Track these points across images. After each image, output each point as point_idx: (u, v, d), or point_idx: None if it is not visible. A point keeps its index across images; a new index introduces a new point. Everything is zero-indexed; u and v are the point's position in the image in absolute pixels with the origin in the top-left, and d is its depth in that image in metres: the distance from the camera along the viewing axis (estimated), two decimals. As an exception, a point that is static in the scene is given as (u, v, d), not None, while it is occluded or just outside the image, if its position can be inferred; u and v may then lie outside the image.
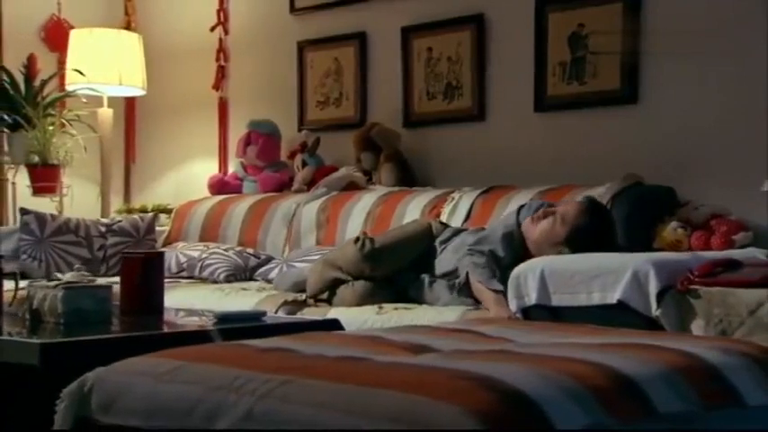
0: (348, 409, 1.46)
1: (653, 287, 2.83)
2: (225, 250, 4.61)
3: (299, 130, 5.28)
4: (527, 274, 3.09)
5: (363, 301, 3.43)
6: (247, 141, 5.24)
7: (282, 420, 1.51)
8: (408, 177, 4.74)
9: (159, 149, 6.13)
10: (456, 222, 4.04)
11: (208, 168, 5.78)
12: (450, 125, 4.74)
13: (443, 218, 4.12)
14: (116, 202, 6.02)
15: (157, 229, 5.14)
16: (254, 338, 1.98)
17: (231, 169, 5.59)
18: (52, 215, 4.77)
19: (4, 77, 5.13)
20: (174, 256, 4.67)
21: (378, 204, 4.44)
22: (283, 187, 5.11)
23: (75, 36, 5.43)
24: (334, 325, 2.79)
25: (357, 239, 3.62)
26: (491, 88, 4.61)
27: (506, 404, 1.44)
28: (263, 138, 5.20)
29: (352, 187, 4.74)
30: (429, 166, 4.81)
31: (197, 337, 2.43)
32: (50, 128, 5.04)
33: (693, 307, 2.78)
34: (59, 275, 2.92)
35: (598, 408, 1.57)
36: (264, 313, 2.93)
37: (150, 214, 5.09)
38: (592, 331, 2.27)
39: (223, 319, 2.71)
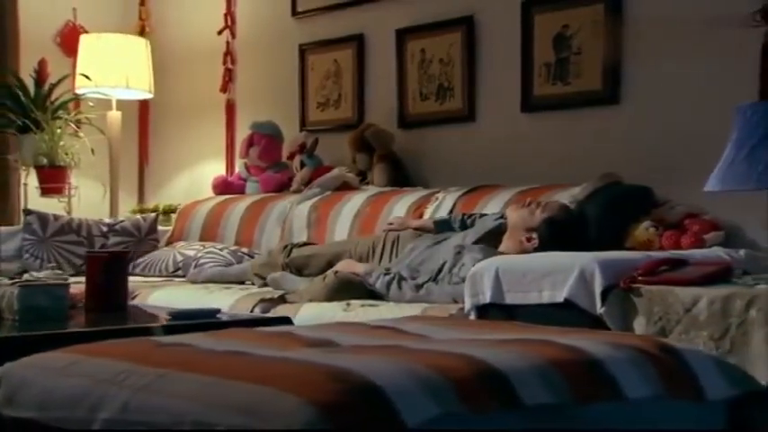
0: (206, 401, 1.55)
1: (598, 285, 2.88)
2: (220, 249, 4.73)
3: (301, 131, 5.38)
4: (483, 273, 3.15)
5: (333, 296, 3.53)
6: (250, 142, 5.36)
7: (152, 412, 1.60)
8: (402, 177, 4.82)
9: (171, 151, 6.28)
10: (438, 222, 4.14)
11: (217, 169, 5.91)
12: (443, 126, 4.82)
13: (426, 215, 4.21)
14: (130, 203, 6.17)
15: (162, 228, 5.27)
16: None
17: (238, 170, 5.71)
18: (55, 215, 4.91)
19: (14, 82, 5.28)
20: (171, 255, 4.80)
21: (366, 204, 4.53)
22: (284, 187, 5.21)
23: (84, 41, 5.58)
24: (285, 322, 2.87)
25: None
26: (481, 89, 4.68)
27: (352, 395, 1.52)
28: (264, 139, 5.31)
29: (345, 187, 4.84)
30: (423, 167, 4.89)
31: (139, 332, 2.53)
32: (58, 130, 5.17)
33: (636, 305, 2.83)
34: (27, 275, 3.04)
35: (454, 399, 1.63)
36: (218, 311, 3.02)
37: (152, 214, 5.23)
38: (510, 328, 2.34)
39: (177, 316, 2.81)
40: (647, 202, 3.85)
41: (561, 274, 2.97)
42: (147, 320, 3.00)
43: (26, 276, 2.97)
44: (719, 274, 2.83)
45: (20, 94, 5.22)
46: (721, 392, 2.09)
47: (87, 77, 5.32)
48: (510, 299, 3.09)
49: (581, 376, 1.87)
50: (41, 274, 3.10)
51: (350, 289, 3.58)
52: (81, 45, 5.57)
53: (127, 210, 5.89)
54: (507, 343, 2.01)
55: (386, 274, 3.60)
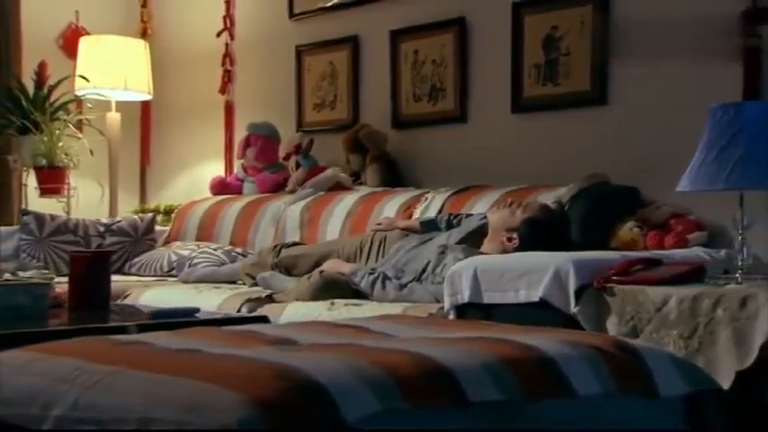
0: (151, 398, 1.58)
1: (572, 285, 2.91)
2: (214, 249, 4.78)
3: (298, 132, 5.42)
4: (461, 273, 3.19)
5: (318, 295, 3.57)
6: (247, 143, 5.40)
7: (101, 409, 1.64)
8: (395, 178, 4.86)
9: (173, 152, 6.33)
10: (427, 222, 4.18)
11: (216, 170, 5.97)
12: (435, 126, 4.85)
13: (415, 216, 4.25)
14: (132, 203, 6.23)
15: (159, 228, 5.33)
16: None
17: (236, 171, 5.75)
18: (52, 216, 4.97)
19: (15, 84, 5.34)
20: (166, 255, 4.85)
21: (357, 205, 4.57)
22: (280, 188, 5.26)
23: (83, 43, 5.64)
24: (262, 320, 2.92)
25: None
26: (472, 90, 4.71)
27: (293, 392, 1.55)
28: (261, 140, 5.36)
29: (338, 188, 4.88)
30: (416, 167, 4.92)
31: (113, 331, 2.57)
32: (57, 132, 5.23)
33: (609, 304, 2.86)
34: (8, 275, 3.09)
35: (398, 395, 1.66)
36: (197, 310, 3.06)
37: (150, 215, 5.28)
38: (473, 327, 2.36)
39: (155, 315, 2.86)
40: (633, 203, 3.88)
41: (537, 273, 3.01)
42: (126, 319, 3.04)
43: (6, 276, 3.01)
44: (691, 274, 2.86)
45: (19, 95, 5.27)
46: (677, 390, 2.12)
47: (86, 79, 5.37)
48: (488, 298, 3.12)
49: (532, 374, 1.90)
50: (28, 274, 3.15)
51: (334, 288, 3.62)
52: (80, 47, 5.64)
53: (129, 210, 5.94)
54: (463, 341, 2.04)
55: (371, 274, 3.64)
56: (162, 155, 6.42)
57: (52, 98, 5.38)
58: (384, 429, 1.66)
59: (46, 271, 3.25)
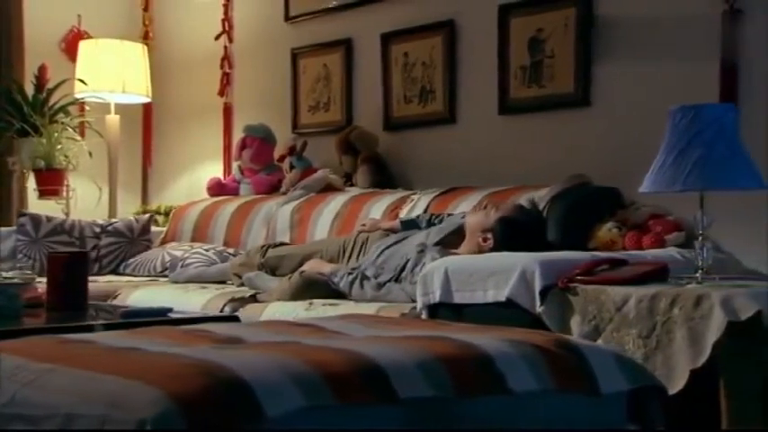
0: (79, 394, 1.64)
1: (537, 285, 2.95)
2: (206, 250, 4.85)
3: (293, 134, 5.48)
4: (433, 273, 3.24)
5: (297, 295, 3.63)
6: (243, 145, 5.47)
7: (33, 405, 1.70)
8: (386, 179, 4.91)
9: (174, 153, 6.41)
10: (412, 222, 4.23)
11: (216, 171, 6.04)
12: (425, 128, 4.90)
13: (401, 216, 4.30)
14: (134, 204, 6.31)
15: (155, 229, 5.40)
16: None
17: (233, 172, 5.82)
18: (48, 217, 5.05)
19: (14, 87, 5.43)
20: (160, 255, 4.92)
21: (346, 206, 4.63)
22: (275, 189, 5.32)
23: (82, 47, 5.73)
24: (233, 319, 2.97)
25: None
26: (461, 91, 4.76)
27: (215, 388, 1.61)
28: (257, 141, 5.42)
29: (328, 189, 4.94)
30: (407, 168, 4.97)
31: (82, 330, 2.63)
32: (55, 134, 5.31)
33: (572, 304, 2.90)
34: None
35: (325, 392, 1.72)
36: (170, 309, 3.12)
37: (146, 216, 5.35)
38: (422, 326, 2.41)
39: (128, 315, 2.92)
40: (614, 203, 3.90)
41: (504, 274, 3.05)
42: (100, 319, 3.10)
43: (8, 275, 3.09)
44: (654, 274, 2.89)
45: (19, 98, 5.36)
46: (619, 387, 2.16)
47: (83, 82, 5.45)
48: (458, 298, 3.17)
49: (466, 371, 1.94)
50: (10, 274, 3.22)
51: (313, 288, 3.68)
52: (80, 50, 5.72)
53: (131, 211, 6.02)
54: (405, 340, 2.09)
55: (350, 274, 3.69)
56: (163, 156, 6.50)
57: (53, 101, 5.45)
58: (312, 425, 1.71)
59: (28, 272, 3.31)
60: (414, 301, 3.41)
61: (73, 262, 3.18)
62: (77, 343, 1.99)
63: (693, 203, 3.69)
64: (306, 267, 3.88)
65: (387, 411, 1.81)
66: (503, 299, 3.03)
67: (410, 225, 4.06)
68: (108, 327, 2.70)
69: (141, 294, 4.14)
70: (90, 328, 2.68)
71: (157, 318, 2.95)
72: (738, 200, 3.51)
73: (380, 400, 1.80)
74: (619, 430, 2.20)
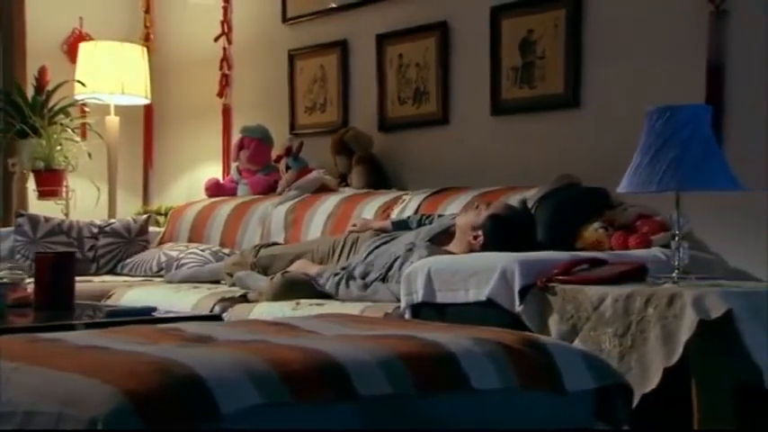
0: (39, 391, 1.68)
1: (517, 285, 2.98)
2: (202, 250, 4.88)
3: (290, 134, 5.52)
4: (416, 273, 3.27)
5: (279, 295, 3.67)
6: (240, 146, 5.51)
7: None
8: (380, 180, 4.94)
9: (175, 154, 6.46)
10: (403, 222, 4.26)
11: (216, 172, 6.08)
12: (419, 129, 4.93)
13: (392, 217, 4.33)
14: (135, 205, 6.36)
15: (155, 230, 5.45)
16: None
17: (231, 173, 5.86)
18: (46, 217, 5.10)
19: (14, 89, 5.48)
20: (157, 255, 4.96)
21: (339, 206, 4.66)
22: (272, 190, 5.35)
23: (82, 49, 5.78)
24: (215, 319, 3.01)
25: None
26: (454, 92, 4.78)
27: (169, 385, 1.64)
28: (254, 142, 5.46)
29: (323, 190, 4.98)
30: (402, 169, 5.00)
31: (63, 329, 2.67)
32: (54, 135, 5.36)
33: (551, 303, 2.92)
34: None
35: (283, 389, 1.75)
36: (154, 309, 3.16)
37: (144, 216, 5.40)
38: (393, 325, 2.45)
39: (112, 314, 2.96)
40: (602, 204, 3.92)
41: (485, 273, 3.07)
42: (84, 318, 3.14)
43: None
44: (632, 274, 2.91)
45: (19, 100, 5.41)
46: (585, 385, 2.19)
47: (82, 84, 5.50)
48: (440, 298, 3.20)
49: (428, 369, 1.98)
50: (0, 274, 3.26)
51: (296, 289, 3.71)
52: (80, 52, 5.77)
53: (132, 211, 6.06)
54: (372, 339, 2.12)
55: (336, 275, 3.72)
56: (164, 157, 6.55)
57: (53, 102, 5.50)
58: (270, 423, 1.74)
59: (19, 272, 3.35)
60: (399, 300, 3.44)
61: (60, 262, 3.22)
62: (46, 342, 2.03)
63: (682, 204, 3.72)
64: (292, 268, 3.92)
65: (346, 409, 1.85)
66: (483, 298, 3.05)
67: (401, 225, 4.09)
68: (90, 326, 2.73)
69: (134, 294, 4.19)
70: (71, 328, 2.72)
71: (140, 317, 2.98)
72: (726, 200, 3.52)
73: (340, 397, 1.83)
74: (584, 428, 2.22)
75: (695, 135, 2.78)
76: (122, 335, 2.18)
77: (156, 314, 3.15)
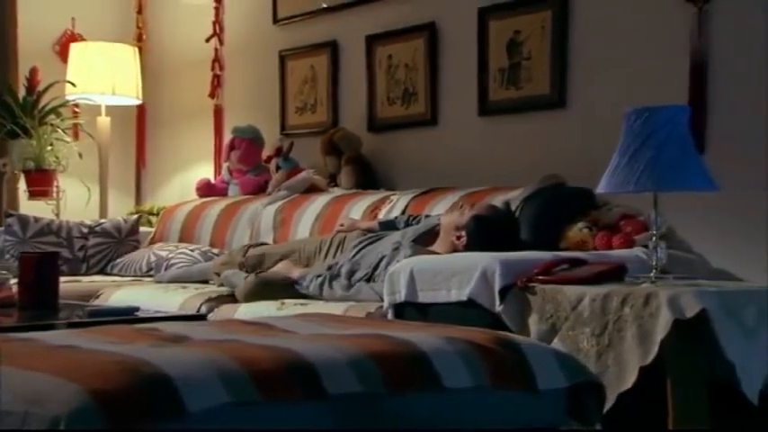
0: (8, 390, 1.70)
1: (497, 284, 2.99)
2: (191, 250, 4.90)
3: (281, 135, 5.54)
4: (399, 273, 3.28)
5: (252, 296, 3.70)
6: (231, 146, 5.53)
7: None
8: (370, 180, 4.95)
9: (167, 154, 6.48)
10: (391, 222, 4.28)
11: (208, 172, 6.10)
12: (408, 129, 4.94)
13: (380, 217, 4.34)
14: (128, 205, 6.38)
15: (146, 230, 5.47)
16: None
17: (222, 173, 5.88)
18: (35, 218, 5.12)
19: (5, 90, 5.50)
20: (146, 255, 4.98)
21: (327, 207, 4.67)
22: (262, 190, 5.37)
23: (73, 49, 5.80)
24: (199, 318, 3.02)
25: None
26: (442, 93, 4.80)
27: (135, 383, 1.66)
28: (245, 143, 5.48)
29: (312, 190, 4.99)
30: (391, 170, 5.02)
31: (42, 328, 2.69)
32: (45, 136, 5.38)
33: (531, 303, 2.94)
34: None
35: (251, 388, 1.77)
36: (137, 309, 3.18)
37: (134, 216, 5.42)
38: (367, 324, 2.47)
39: (94, 314, 2.97)
40: (587, 204, 3.93)
41: (467, 273, 3.09)
42: (66, 317, 3.16)
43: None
44: (610, 273, 2.92)
45: (10, 100, 5.43)
46: (557, 384, 2.21)
47: (73, 84, 5.52)
48: (422, 297, 3.21)
49: (399, 367, 2.00)
50: (-21, 273, 3.28)
51: (269, 290, 3.73)
52: (71, 53, 5.79)
53: (125, 211, 6.08)
54: (344, 338, 2.14)
55: (318, 276, 3.73)
56: (157, 157, 6.57)
57: (44, 102, 5.52)
58: (239, 422, 1.76)
59: (4, 272, 3.37)
60: (382, 299, 3.46)
61: (43, 262, 3.24)
62: (19, 342, 2.05)
63: (667, 204, 3.74)
64: (275, 269, 3.93)
65: (315, 408, 1.86)
66: (464, 298, 3.07)
67: (388, 226, 4.10)
68: (71, 325, 2.75)
69: (122, 294, 4.20)
70: (53, 327, 2.73)
71: (123, 317, 3.00)
72: (711, 201, 3.53)
73: (309, 396, 1.85)
74: (557, 426, 2.24)
75: (672, 136, 2.79)
76: (99, 335, 2.19)
77: (141, 314, 3.15)
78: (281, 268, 3.93)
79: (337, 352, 1.97)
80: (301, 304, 3.57)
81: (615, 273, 2.94)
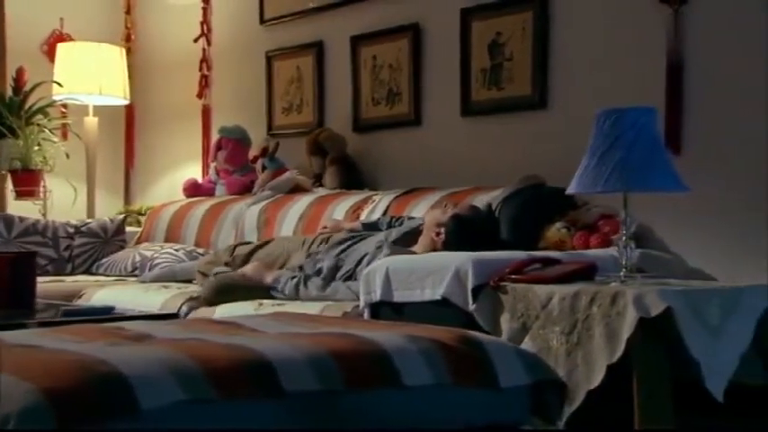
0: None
1: (470, 283, 3.01)
2: (176, 250, 4.92)
3: (267, 135, 5.56)
4: (375, 272, 3.30)
5: (212, 297, 3.72)
6: (218, 147, 5.55)
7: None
8: (354, 180, 4.97)
9: (156, 154, 6.50)
10: (373, 222, 4.30)
11: (196, 173, 6.11)
12: (392, 130, 4.97)
13: (362, 217, 4.36)
14: (117, 205, 6.40)
15: (133, 230, 5.49)
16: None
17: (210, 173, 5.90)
18: (21, 217, 5.13)
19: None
20: (131, 255, 5.00)
21: (311, 207, 4.69)
22: (248, 190, 5.39)
23: (60, 49, 5.82)
24: (173, 317, 3.05)
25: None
26: (426, 93, 4.82)
27: (88, 381, 1.68)
28: (231, 143, 5.50)
29: (296, 190, 5.01)
30: (376, 170, 5.04)
31: (12, 327, 2.70)
32: (32, 136, 5.40)
33: (503, 302, 2.95)
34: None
35: (206, 386, 1.79)
36: (113, 308, 3.19)
37: (120, 216, 5.43)
38: (334, 323, 2.48)
39: (69, 313, 2.99)
40: (566, 204, 3.94)
41: (440, 273, 3.10)
42: (40, 317, 3.18)
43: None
44: (581, 273, 2.94)
45: (-5, 102, 5.46)
46: (519, 381, 2.22)
47: (59, 84, 5.54)
48: (397, 297, 3.23)
49: (358, 365, 2.02)
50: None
51: (229, 291, 3.74)
52: (57, 53, 5.81)
53: (114, 211, 6.10)
54: (307, 336, 2.16)
55: (293, 278, 3.74)
56: (145, 157, 6.59)
57: (31, 102, 5.53)
58: (194, 420, 1.78)
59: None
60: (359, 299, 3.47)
61: (20, 262, 3.25)
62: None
63: (644, 205, 3.76)
64: (247, 269, 3.94)
65: (272, 405, 1.88)
66: (438, 297, 3.08)
67: (371, 227, 4.12)
68: (43, 325, 2.77)
69: (105, 294, 4.22)
70: (23, 327, 2.75)
71: (98, 317, 3.01)
72: (686, 201, 3.55)
73: (266, 394, 1.87)
74: (519, 423, 2.26)
75: (641, 137, 2.81)
76: (65, 334, 2.21)
77: (117, 313, 3.17)
78: (252, 272, 3.92)
79: (297, 350, 1.98)
80: (279, 304, 3.58)
81: (586, 272, 2.95)
